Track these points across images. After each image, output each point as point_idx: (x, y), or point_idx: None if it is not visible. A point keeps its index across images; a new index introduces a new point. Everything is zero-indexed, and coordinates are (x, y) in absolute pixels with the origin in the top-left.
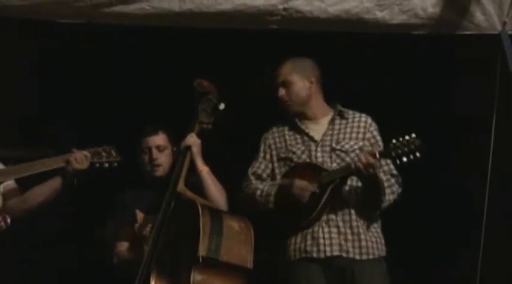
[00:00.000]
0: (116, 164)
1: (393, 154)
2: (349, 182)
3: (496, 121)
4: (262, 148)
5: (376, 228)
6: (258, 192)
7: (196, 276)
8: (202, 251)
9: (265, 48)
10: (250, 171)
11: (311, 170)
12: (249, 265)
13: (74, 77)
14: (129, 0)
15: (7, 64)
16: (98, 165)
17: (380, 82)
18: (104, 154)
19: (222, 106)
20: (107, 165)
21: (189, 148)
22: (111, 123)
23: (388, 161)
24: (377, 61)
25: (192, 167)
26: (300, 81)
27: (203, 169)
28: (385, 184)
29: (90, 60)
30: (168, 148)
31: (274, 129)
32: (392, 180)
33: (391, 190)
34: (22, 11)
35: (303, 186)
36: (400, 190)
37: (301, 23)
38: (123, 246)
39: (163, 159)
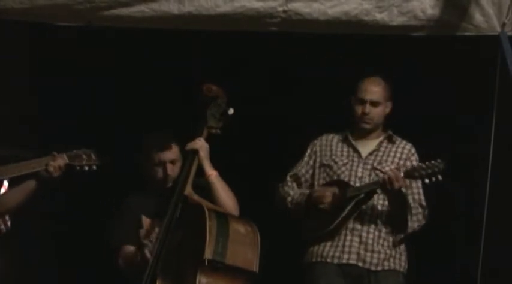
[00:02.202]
0: (95, 167)
1: (417, 174)
2: (380, 201)
3: (496, 121)
4: (307, 153)
5: (401, 245)
6: (289, 199)
7: (201, 279)
8: (208, 254)
9: (265, 50)
10: (290, 172)
11: (340, 185)
12: (255, 268)
13: (77, 79)
14: (129, 3)
15: (5, 65)
16: (78, 167)
17: None
18: (84, 157)
19: (231, 111)
20: (86, 168)
21: (196, 152)
22: (114, 126)
23: (421, 191)
24: (376, 62)
25: (200, 171)
26: (384, 105)
27: (212, 173)
28: (413, 211)
29: (93, 63)
30: (180, 160)
31: (324, 137)
32: (420, 210)
33: (417, 218)
34: (22, 13)
35: (321, 192)
36: (423, 222)
37: (301, 25)
38: (129, 249)
39: (176, 171)
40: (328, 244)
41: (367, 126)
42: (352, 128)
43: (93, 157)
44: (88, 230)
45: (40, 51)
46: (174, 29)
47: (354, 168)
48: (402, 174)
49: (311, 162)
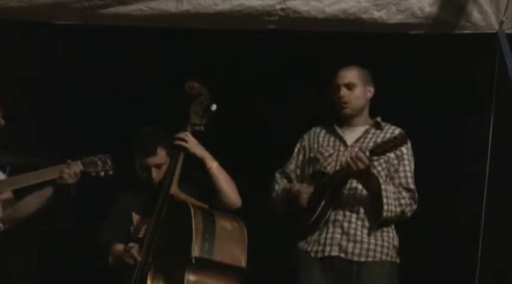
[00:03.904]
0: (111, 173)
1: (380, 150)
2: (361, 189)
3: (495, 120)
4: (296, 149)
5: (389, 233)
6: (274, 194)
7: (189, 277)
8: (195, 252)
9: (264, 49)
10: (279, 169)
11: (318, 176)
12: (243, 264)
13: (68, 78)
14: (127, 1)
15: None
16: (94, 173)
17: (378, 82)
18: (99, 163)
19: (213, 107)
20: (102, 173)
21: (180, 150)
22: (106, 124)
23: (408, 175)
24: (376, 61)
25: (199, 164)
26: (362, 88)
27: (212, 165)
28: (392, 195)
29: (86, 61)
30: (166, 162)
31: (312, 130)
32: (404, 193)
33: (399, 203)
34: (20, 12)
35: (297, 189)
36: (415, 206)
37: (299, 23)
38: (117, 247)
39: (161, 174)
40: (312, 238)
41: (347, 111)
42: (337, 118)
43: (109, 162)
44: (85, 229)
45: (40, 51)
46: (172, 28)
47: (340, 156)
48: (368, 153)
49: (300, 157)
